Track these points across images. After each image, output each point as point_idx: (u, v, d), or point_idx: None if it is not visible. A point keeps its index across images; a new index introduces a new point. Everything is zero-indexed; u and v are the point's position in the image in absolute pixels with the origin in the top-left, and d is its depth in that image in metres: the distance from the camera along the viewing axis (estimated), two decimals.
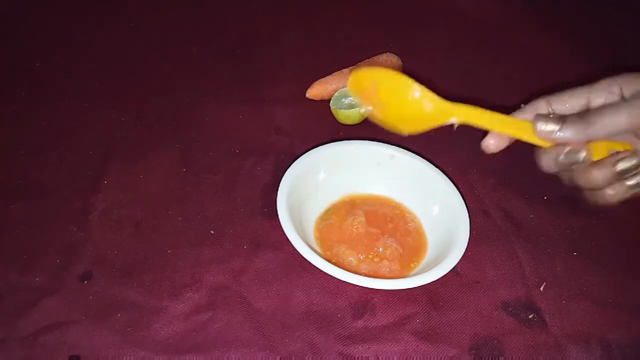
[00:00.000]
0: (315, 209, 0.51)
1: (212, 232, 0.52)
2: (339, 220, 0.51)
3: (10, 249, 0.50)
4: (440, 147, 0.61)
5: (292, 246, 0.44)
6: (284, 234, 0.45)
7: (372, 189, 0.54)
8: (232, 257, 0.50)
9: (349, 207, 0.52)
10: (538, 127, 0.41)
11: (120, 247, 0.50)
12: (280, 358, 0.43)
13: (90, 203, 0.54)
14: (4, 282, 0.47)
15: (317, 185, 0.52)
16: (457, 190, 0.50)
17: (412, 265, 0.48)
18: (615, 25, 0.83)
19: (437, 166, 0.52)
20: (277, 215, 0.46)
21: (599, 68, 0.74)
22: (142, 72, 0.70)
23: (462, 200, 0.49)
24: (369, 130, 0.62)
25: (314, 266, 0.43)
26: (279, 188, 0.48)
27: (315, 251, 0.44)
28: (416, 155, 0.53)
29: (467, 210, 0.48)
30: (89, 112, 0.64)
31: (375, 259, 0.48)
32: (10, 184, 0.55)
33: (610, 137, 0.40)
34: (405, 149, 0.54)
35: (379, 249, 0.48)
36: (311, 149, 0.52)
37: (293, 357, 0.43)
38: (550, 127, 0.40)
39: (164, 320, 0.45)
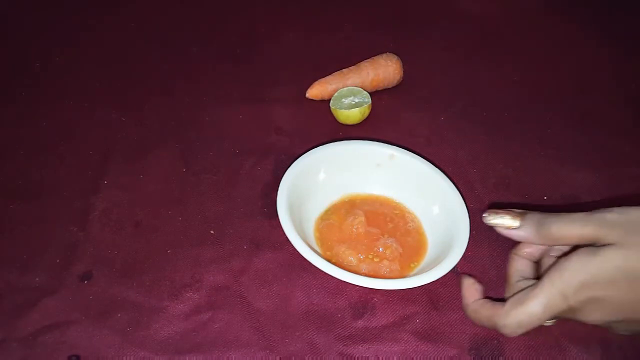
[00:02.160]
0: (315, 209, 0.51)
1: (212, 232, 0.52)
2: (339, 220, 0.51)
3: (10, 249, 0.50)
4: (440, 147, 0.61)
5: (292, 246, 0.44)
6: (284, 234, 0.45)
7: (372, 189, 0.54)
8: (232, 257, 0.50)
9: (349, 207, 0.52)
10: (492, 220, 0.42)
11: (120, 247, 0.50)
12: (280, 358, 0.43)
13: (90, 203, 0.54)
14: (4, 282, 0.47)
15: (317, 185, 0.52)
16: (457, 190, 0.50)
17: (412, 265, 0.48)
18: (616, 25, 0.83)
19: (437, 166, 0.52)
20: (277, 215, 0.46)
21: (600, 67, 0.74)
22: (142, 72, 0.70)
23: (462, 200, 0.49)
24: (369, 130, 0.63)
25: (314, 266, 0.43)
26: (279, 188, 0.48)
27: (315, 251, 0.44)
28: (416, 155, 0.53)
29: (467, 210, 0.48)
30: (89, 112, 0.64)
31: (375, 259, 0.48)
32: (10, 184, 0.55)
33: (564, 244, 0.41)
34: (405, 149, 0.54)
35: (379, 249, 0.48)
36: (311, 149, 0.52)
37: (293, 357, 0.43)
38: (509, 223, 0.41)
39: (164, 320, 0.45)
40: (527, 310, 0.38)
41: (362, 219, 0.50)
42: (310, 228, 0.50)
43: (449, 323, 0.45)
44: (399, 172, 0.53)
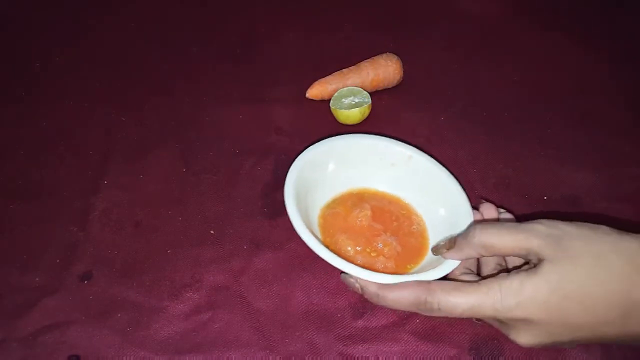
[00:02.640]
0: (323, 197, 0.51)
1: (212, 232, 0.52)
2: (345, 210, 0.50)
3: (10, 249, 0.50)
4: (441, 147, 0.61)
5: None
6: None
7: (383, 186, 0.53)
8: (232, 257, 0.50)
9: (356, 199, 0.52)
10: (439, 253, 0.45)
11: (120, 247, 0.50)
12: (280, 358, 0.43)
13: (90, 203, 0.54)
14: (4, 282, 0.47)
15: (327, 175, 0.51)
16: (468, 199, 0.49)
17: (408, 266, 0.48)
18: (617, 24, 0.83)
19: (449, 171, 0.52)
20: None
21: (600, 67, 0.74)
22: (142, 72, 0.70)
23: (471, 211, 0.48)
24: (369, 130, 0.62)
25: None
26: (290, 170, 0.47)
27: (316, 237, 0.44)
28: (434, 160, 0.52)
29: (473, 220, 0.47)
30: (89, 112, 0.64)
31: (373, 254, 0.47)
32: (10, 184, 0.55)
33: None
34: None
35: (378, 244, 0.48)
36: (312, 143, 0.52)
37: (293, 357, 0.43)
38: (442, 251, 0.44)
39: (164, 320, 0.45)
40: (454, 300, 0.39)
41: (368, 212, 0.50)
42: (315, 215, 0.50)
43: (449, 323, 0.45)
44: (413, 173, 0.52)
